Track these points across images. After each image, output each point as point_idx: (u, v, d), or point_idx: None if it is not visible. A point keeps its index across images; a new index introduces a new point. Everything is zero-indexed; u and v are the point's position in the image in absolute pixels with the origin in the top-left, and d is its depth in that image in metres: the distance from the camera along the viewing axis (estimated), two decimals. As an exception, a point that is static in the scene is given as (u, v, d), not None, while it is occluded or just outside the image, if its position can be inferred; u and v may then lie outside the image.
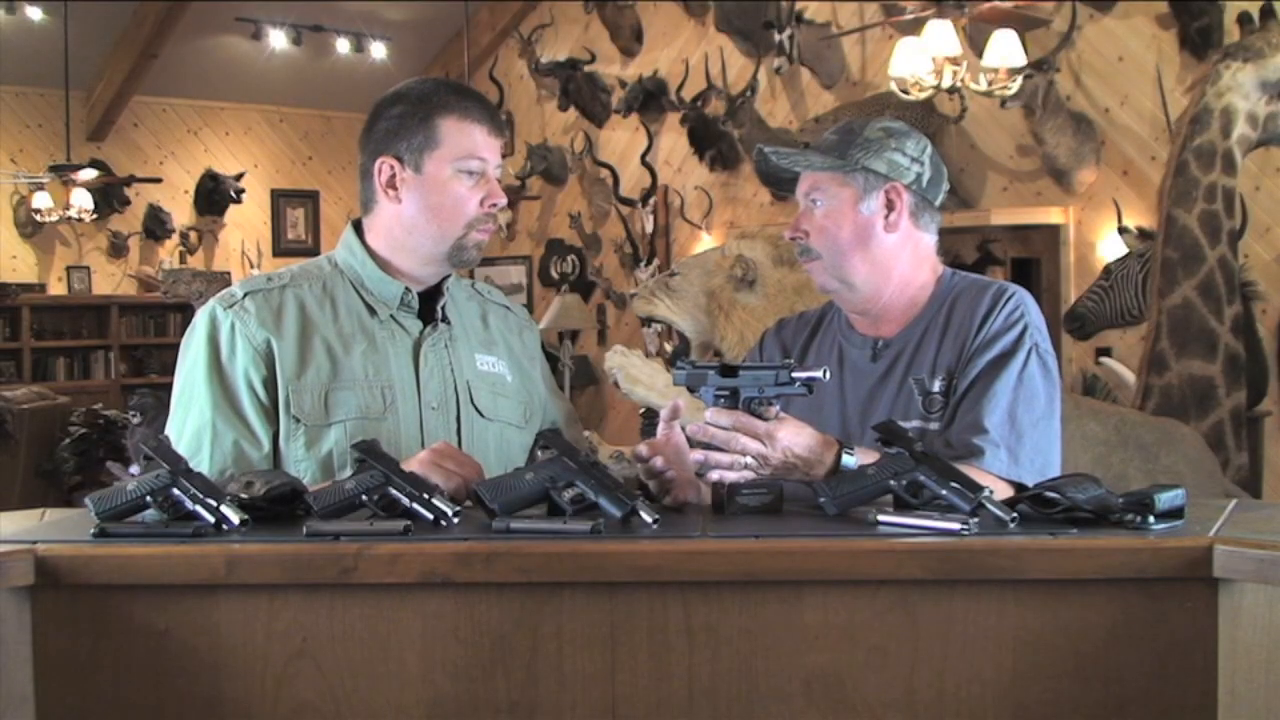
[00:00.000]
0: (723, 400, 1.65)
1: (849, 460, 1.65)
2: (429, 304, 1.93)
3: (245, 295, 1.86)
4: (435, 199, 1.86)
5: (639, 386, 3.69)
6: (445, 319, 1.94)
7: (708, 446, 1.62)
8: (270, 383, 1.82)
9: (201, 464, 1.77)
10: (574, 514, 1.52)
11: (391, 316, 1.90)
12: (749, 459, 1.61)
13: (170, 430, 1.83)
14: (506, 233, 9.75)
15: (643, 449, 1.67)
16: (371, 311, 1.89)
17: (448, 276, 1.95)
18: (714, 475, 1.62)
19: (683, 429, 1.69)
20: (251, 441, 1.80)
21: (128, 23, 8.80)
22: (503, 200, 1.90)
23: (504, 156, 1.96)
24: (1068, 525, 1.46)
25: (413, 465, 1.66)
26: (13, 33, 8.40)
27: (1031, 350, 1.82)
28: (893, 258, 1.89)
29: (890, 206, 1.88)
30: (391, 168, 1.88)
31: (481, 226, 1.88)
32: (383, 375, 1.85)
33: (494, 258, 9.73)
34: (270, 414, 1.82)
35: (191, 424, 1.81)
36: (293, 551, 1.43)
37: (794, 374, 1.63)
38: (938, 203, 1.93)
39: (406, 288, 1.90)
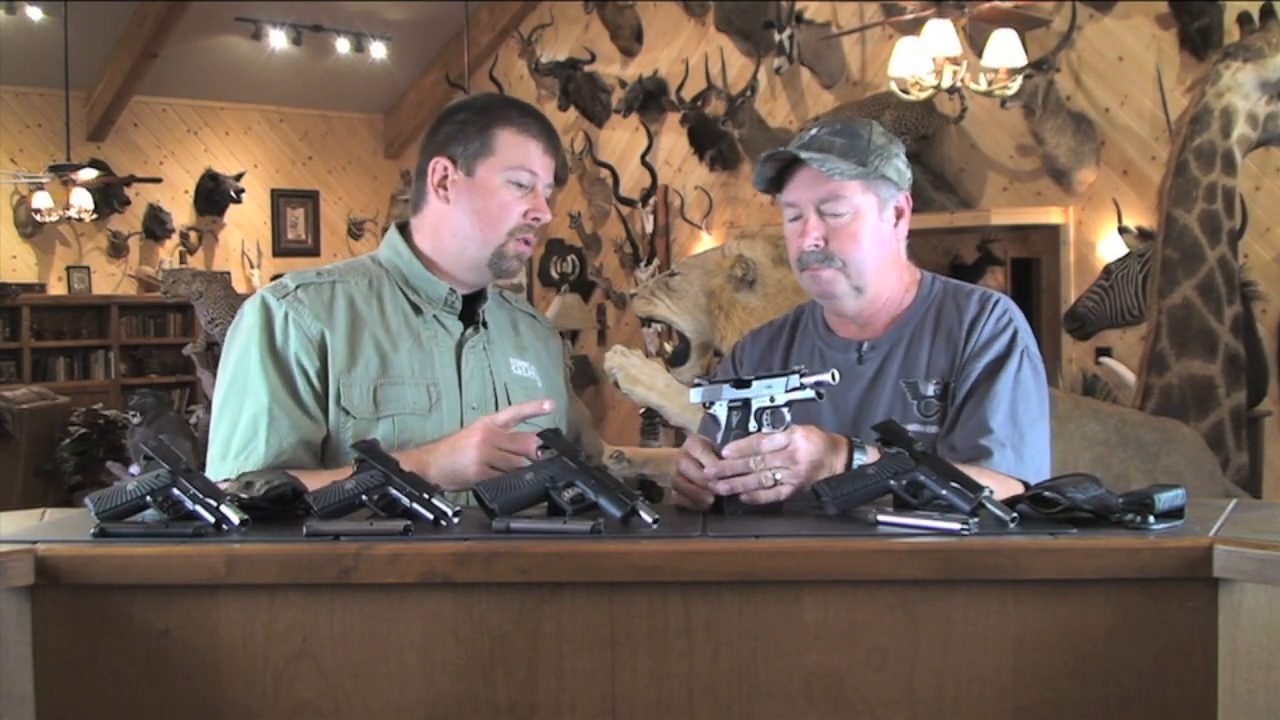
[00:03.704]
0: (736, 412, 1.66)
1: (861, 458, 1.65)
2: (468, 307, 1.97)
3: (297, 287, 1.88)
4: (481, 203, 1.90)
5: (639, 386, 3.69)
6: (484, 322, 1.98)
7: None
8: (322, 374, 1.84)
9: (257, 450, 1.78)
10: (574, 514, 1.52)
11: (435, 316, 1.93)
12: (779, 475, 1.60)
13: (222, 420, 1.83)
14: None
15: (710, 470, 1.63)
16: (417, 311, 1.93)
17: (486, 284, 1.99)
18: (745, 498, 1.61)
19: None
20: (308, 428, 1.82)
21: (128, 23, 8.80)
22: (546, 215, 1.94)
23: (558, 181, 2.01)
24: (1068, 525, 1.46)
25: (469, 452, 1.71)
26: (13, 33, 8.40)
27: (1023, 353, 1.84)
28: (894, 264, 1.91)
29: (899, 215, 1.90)
30: (445, 169, 1.92)
31: (521, 236, 1.92)
32: (428, 373, 1.89)
33: (494, 258, 9.72)
34: (323, 403, 1.84)
35: (248, 410, 1.81)
36: (293, 551, 1.43)
37: (803, 379, 1.64)
38: None
39: (451, 288, 1.94)
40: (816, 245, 1.85)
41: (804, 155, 1.84)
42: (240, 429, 1.81)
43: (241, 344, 1.85)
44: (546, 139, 1.94)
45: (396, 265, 1.95)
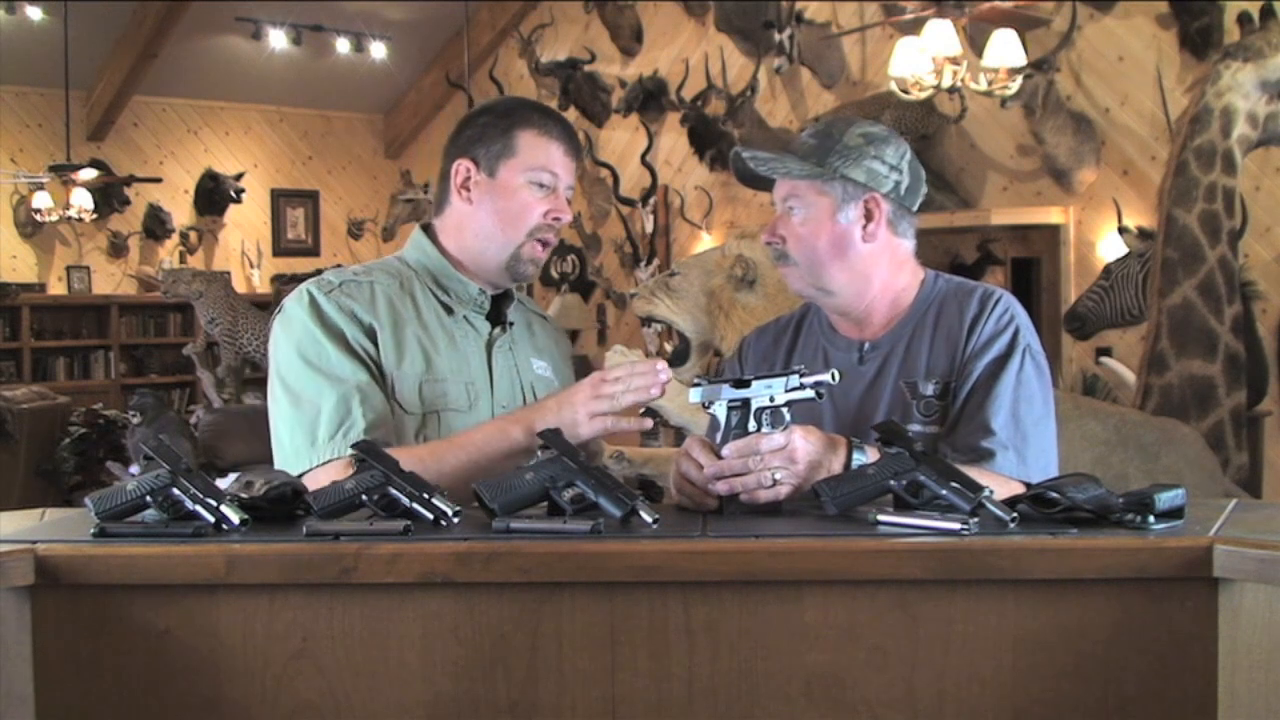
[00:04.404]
0: (735, 412, 1.66)
1: (860, 458, 1.65)
2: (494, 308, 1.99)
3: (341, 283, 1.90)
4: (503, 203, 1.92)
5: (639, 386, 3.68)
6: (510, 322, 2.00)
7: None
8: (379, 364, 1.85)
9: (355, 426, 1.77)
10: (574, 514, 1.52)
11: (465, 317, 1.95)
12: (778, 475, 1.60)
13: (300, 410, 1.81)
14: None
15: (709, 470, 1.64)
16: (448, 311, 1.94)
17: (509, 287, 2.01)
18: (744, 498, 1.61)
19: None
20: (388, 408, 1.82)
21: (128, 23, 8.81)
22: (567, 215, 1.95)
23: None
24: (1068, 525, 1.46)
25: (577, 408, 1.74)
26: (13, 33, 8.40)
27: (1025, 351, 1.82)
28: (871, 265, 1.87)
29: (869, 216, 1.86)
30: (467, 170, 1.94)
31: (540, 236, 1.94)
32: (465, 372, 1.91)
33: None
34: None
35: (333, 393, 1.80)
36: (293, 551, 1.43)
37: (803, 379, 1.63)
38: (915, 209, 1.92)
39: (481, 288, 1.96)
40: (770, 242, 1.90)
41: (745, 154, 1.88)
42: (327, 413, 1.79)
43: (300, 335, 1.85)
44: (567, 141, 1.96)
45: (426, 266, 1.97)
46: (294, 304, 1.88)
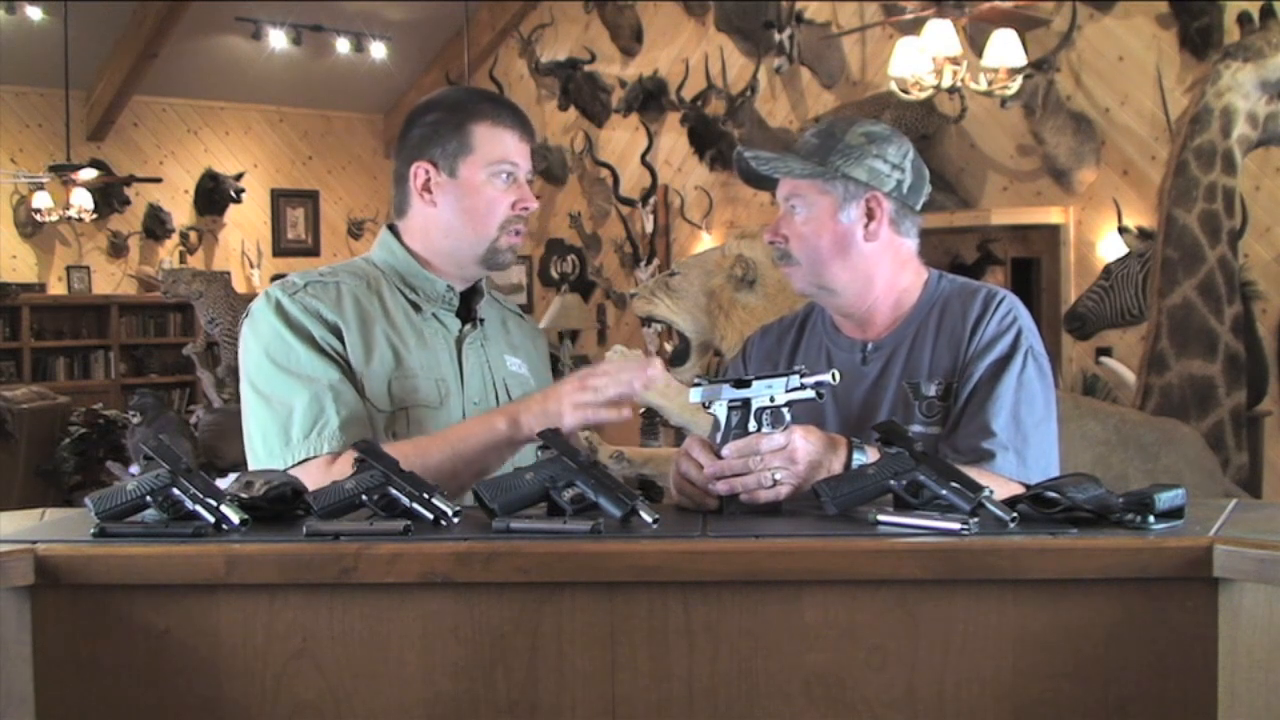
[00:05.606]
0: (736, 412, 1.66)
1: (860, 458, 1.65)
2: (463, 304, 1.98)
3: (306, 284, 1.89)
4: (469, 202, 1.91)
5: (639, 386, 3.68)
6: (480, 319, 1.99)
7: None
8: (348, 362, 1.85)
9: (329, 425, 1.77)
10: (574, 514, 1.52)
11: (434, 314, 1.95)
12: (778, 475, 1.60)
13: (271, 410, 1.80)
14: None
15: (709, 470, 1.64)
16: (416, 309, 1.94)
17: (480, 280, 2.01)
18: (744, 498, 1.61)
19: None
20: (362, 405, 1.82)
21: (128, 23, 8.81)
22: (534, 204, 1.95)
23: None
24: (1068, 525, 1.46)
25: (562, 399, 1.74)
26: (13, 33, 8.41)
27: (1027, 353, 1.82)
28: (874, 265, 1.88)
29: (870, 215, 1.86)
30: (427, 172, 1.92)
31: (512, 227, 1.93)
32: (435, 369, 1.90)
33: (494, 258, 9.73)
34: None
35: (304, 393, 1.79)
36: (293, 551, 1.43)
37: (804, 379, 1.63)
38: (919, 207, 1.91)
39: (449, 285, 1.95)
40: (773, 241, 1.90)
41: (748, 154, 1.89)
42: (300, 412, 1.78)
43: (268, 337, 1.84)
44: (521, 127, 1.95)
45: (393, 265, 1.96)
46: (259, 307, 1.87)
